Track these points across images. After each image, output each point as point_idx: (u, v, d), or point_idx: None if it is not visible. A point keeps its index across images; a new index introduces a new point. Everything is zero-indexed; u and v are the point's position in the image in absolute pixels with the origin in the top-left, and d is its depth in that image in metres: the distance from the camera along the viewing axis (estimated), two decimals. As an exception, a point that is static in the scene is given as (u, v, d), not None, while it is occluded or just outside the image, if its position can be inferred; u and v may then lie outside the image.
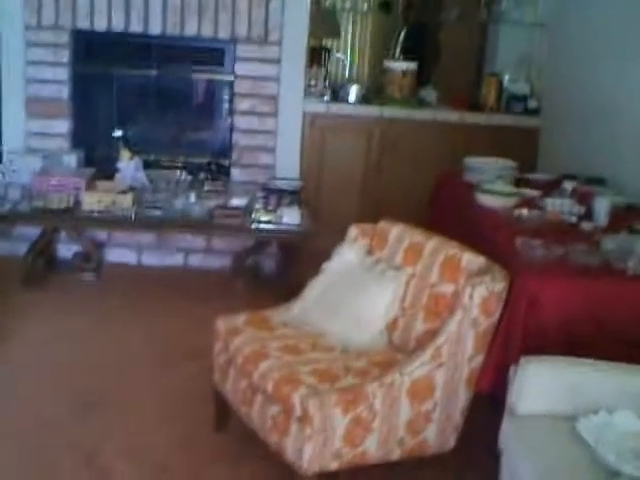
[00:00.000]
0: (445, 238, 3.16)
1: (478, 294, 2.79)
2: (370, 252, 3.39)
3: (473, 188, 4.00)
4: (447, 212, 4.33)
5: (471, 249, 3.04)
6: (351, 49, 7.35)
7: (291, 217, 4.71)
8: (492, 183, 4.04)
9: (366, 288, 3.20)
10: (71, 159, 5.17)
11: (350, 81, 5.94)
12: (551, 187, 4.11)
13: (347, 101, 5.61)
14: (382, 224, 3.42)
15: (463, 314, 2.80)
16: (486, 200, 3.84)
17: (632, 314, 2.90)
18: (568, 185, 4.04)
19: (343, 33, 7.18)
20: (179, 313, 4.49)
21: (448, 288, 2.98)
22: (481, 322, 2.83)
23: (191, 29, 5.20)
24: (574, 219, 3.58)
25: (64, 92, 5.29)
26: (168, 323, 4.36)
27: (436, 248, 3.11)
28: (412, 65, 5.72)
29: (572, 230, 3.47)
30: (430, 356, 2.79)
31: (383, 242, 3.35)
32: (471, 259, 2.97)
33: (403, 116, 5.57)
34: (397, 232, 3.32)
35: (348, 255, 3.39)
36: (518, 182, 4.26)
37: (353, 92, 5.62)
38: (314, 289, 3.36)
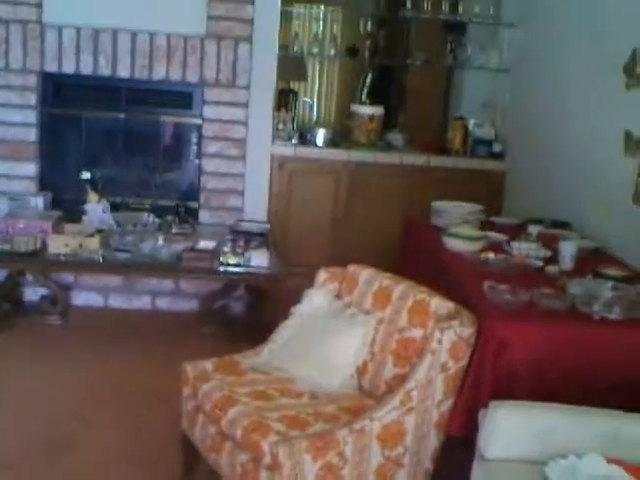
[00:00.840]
0: (414, 282, 3.18)
1: (447, 339, 2.81)
2: (339, 296, 3.41)
3: (440, 232, 4.04)
4: (415, 256, 4.36)
5: (439, 294, 3.06)
6: (318, 92, 7.43)
7: (259, 259, 4.71)
8: (458, 227, 4.08)
9: (335, 332, 3.21)
10: (38, 202, 5.15)
11: (318, 124, 6.00)
12: (517, 231, 4.16)
13: (315, 144, 5.66)
14: (351, 268, 3.43)
15: (432, 359, 2.82)
16: (453, 244, 3.88)
17: (598, 358, 2.93)
18: (533, 229, 4.10)
19: (310, 76, 7.26)
20: (147, 357, 4.46)
21: (417, 333, 2.99)
22: (450, 367, 2.85)
23: (159, 73, 5.23)
24: (540, 263, 3.62)
25: (32, 134, 5.28)
26: (136, 367, 4.32)
27: (405, 292, 3.12)
28: (379, 109, 5.81)
29: (538, 274, 3.51)
30: (400, 401, 2.79)
31: (352, 286, 3.37)
32: (440, 304, 2.99)
33: (370, 159, 5.64)
34: (366, 276, 3.34)
35: (317, 299, 3.40)
36: (484, 226, 4.31)
37: (321, 135, 5.68)
38: (283, 333, 3.36)
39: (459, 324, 2.85)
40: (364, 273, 3.36)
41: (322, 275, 3.49)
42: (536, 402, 2.62)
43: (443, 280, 3.51)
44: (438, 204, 4.49)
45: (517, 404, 2.60)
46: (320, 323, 3.28)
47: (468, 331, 2.85)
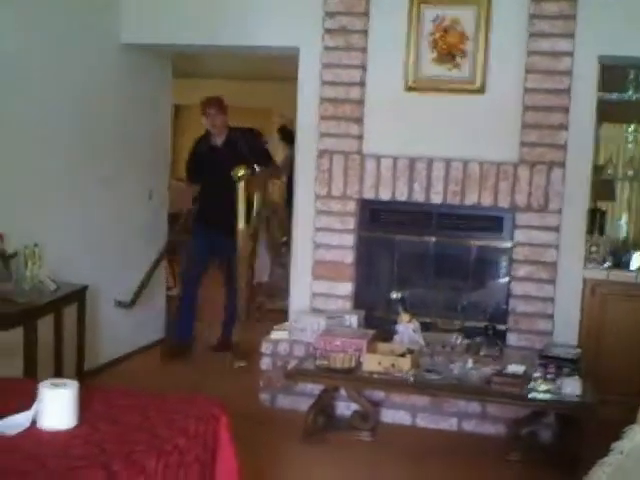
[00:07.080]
0: None
1: None
2: (664, 435, 3.22)
3: None
4: None
5: None
6: (632, 214, 7.19)
7: (571, 387, 4.58)
8: None
9: (660, 474, 3.03)
10: (352, 320, 5.41)
11: (632, 247, 5.80)
12: None
13: (629, 268, 5.47)
14: (677, 406, 3.24)
15: None
16: None
17: None
18: None
19: (621, 197, 7.06)
20: (455, 478, 4.46)
21: None
22: None
23: (471, 199, 5.36)
24: None
25: (349, 257, 5.62)
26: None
27: None
28: (700, 233, 5.53)
29: None
30: None
31: (679, 426, 3.17)
32: None
33: (693, 286, 5.33)
34: (695, 416, 3.13)
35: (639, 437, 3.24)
36: None
37: (636, 259, 5.48)
38: (600, 472, 3.21)
39: None
40: (693, 412, 3.15)
41: (645, 411, 3.33)
42: None
43: None
44: None
45: None
46: (643, 463, 3.11)
47: None
